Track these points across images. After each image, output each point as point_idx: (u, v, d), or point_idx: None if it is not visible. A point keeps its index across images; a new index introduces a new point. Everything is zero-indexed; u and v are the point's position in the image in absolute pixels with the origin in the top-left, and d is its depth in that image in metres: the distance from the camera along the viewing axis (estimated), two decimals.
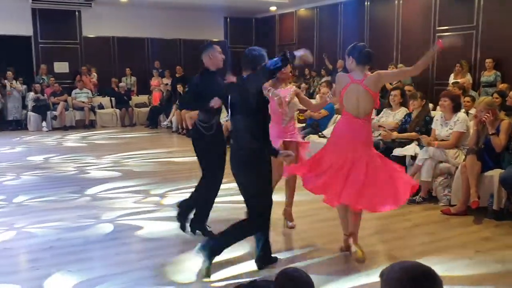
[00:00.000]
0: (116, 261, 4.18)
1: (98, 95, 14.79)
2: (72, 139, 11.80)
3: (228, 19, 17.35)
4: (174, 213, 5.29)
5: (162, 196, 6.34)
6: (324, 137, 7.77)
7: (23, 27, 14.20)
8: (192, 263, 4.11)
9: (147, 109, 14.63)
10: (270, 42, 16.83)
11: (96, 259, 4.26)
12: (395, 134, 6.49)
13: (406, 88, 8.49)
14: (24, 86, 13.74)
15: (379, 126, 6.87)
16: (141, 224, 5.18)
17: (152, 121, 14.10)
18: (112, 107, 14.59)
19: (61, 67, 14.87)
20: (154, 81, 15.14)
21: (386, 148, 6.42)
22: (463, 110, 6.75)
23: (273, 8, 15.91)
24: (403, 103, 7.01)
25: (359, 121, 4.04)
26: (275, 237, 4.68)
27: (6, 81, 13.26)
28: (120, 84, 14.77)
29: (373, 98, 4.08)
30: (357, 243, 4.20)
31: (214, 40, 16.95)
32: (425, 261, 3.35)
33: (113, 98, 14.66)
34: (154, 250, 4.45)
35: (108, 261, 4.19)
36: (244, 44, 17.50)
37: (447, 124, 5.99)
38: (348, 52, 4.16)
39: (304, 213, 5.34)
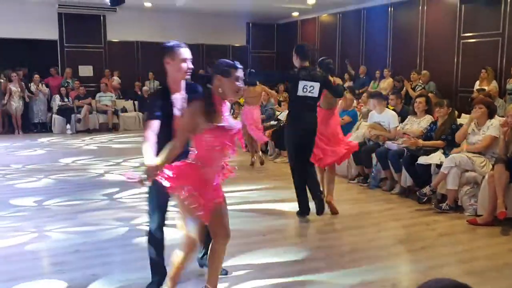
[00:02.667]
0: (140, 266, 4.17)
1: (119, 98, 14.93)
2: (96, 142, 11.94)
3: (251, 25, 17.40)
4: None
5: None
6: None
7: (49, 31, 14.45)
8: None
9: None
10: (292, 48, 16.69)
11: (120, 263, 4.29)
12: (420, 141, 6.40)
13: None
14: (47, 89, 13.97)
15: (404, 133, 6.79)
16: (165, 229, 5.18)
17: None
18: (135, 110, 14.74)
19: (85, 70, 15.10)
20: None
21: (411, 156, 6.35)
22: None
23: (295, 14, 15.88)
24: (428, 111, 6.92)
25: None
26: (302, 250, 4.65)
27: (32, 83, 13.50)
28: (144, 88, 14.89)
29: None
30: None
31: (236, 45, 17.04)
32: (451, 273, 3.27)
33: (136, 102, 14.82)
34: None
35: (132, 266, 4.21)
36: (266, 50, 17.59)
37: (479, 129, 5.92)
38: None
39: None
